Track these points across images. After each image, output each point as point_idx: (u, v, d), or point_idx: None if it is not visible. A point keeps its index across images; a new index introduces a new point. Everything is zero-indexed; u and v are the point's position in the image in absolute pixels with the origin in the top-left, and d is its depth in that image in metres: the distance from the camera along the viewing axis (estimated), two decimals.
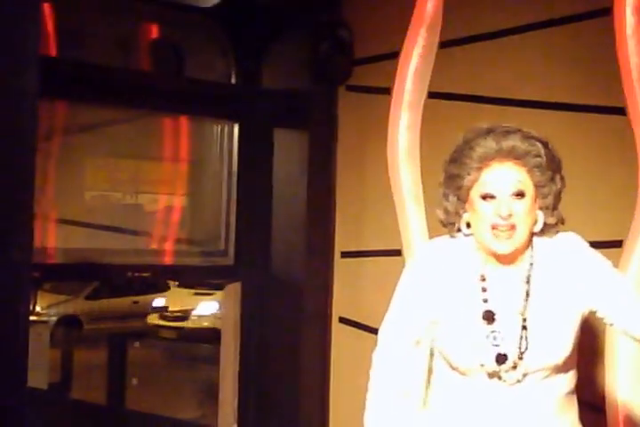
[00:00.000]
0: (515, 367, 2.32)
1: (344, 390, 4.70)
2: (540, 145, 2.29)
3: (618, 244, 3.64)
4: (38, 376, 5.98)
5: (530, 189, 2.29)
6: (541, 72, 4.04)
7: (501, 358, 2.32)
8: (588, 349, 3.56)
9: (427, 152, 4.26)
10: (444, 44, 4.24)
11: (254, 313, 4.98)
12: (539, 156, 2.28)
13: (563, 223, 2.41)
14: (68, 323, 14.10)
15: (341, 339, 4.81)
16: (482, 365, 2.35)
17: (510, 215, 2.26)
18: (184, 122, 5.27)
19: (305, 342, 4.85)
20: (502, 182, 2.27)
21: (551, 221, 2.35)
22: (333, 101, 4.82)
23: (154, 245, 5.31)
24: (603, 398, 3.60)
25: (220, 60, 5.08)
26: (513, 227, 2.27)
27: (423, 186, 4.26)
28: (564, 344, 2.36)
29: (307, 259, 4.88)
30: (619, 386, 3.59)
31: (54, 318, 13.98)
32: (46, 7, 4.44)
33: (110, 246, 5.06)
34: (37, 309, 13.32)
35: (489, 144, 2.28)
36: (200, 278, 7.65)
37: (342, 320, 4.80)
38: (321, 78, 4.76)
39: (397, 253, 4.36)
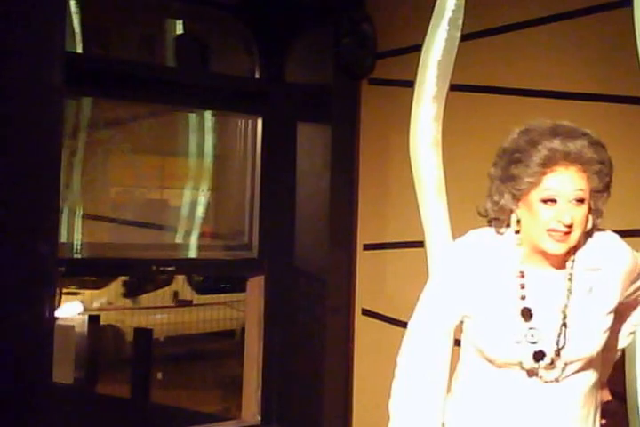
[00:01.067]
0: (552, 364, 2.33)
1: (367, 382, 4.72)
2: (603, 151, 2.29)
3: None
4: (64, 371, 6.03)
5: (588, 195, 2.29)
6: (563, 63, 4.05)
7: (539, 356, 2.33)
8: None
9: (449, 144, 4.26)
10: (466, 37, 4.24)
11: (278, 306, 5.01)
12: (602, 163, 2.27)
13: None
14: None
15: (365, 331, 4.83)
16: (520, 362, 2.35)
17: (572, 223, 2.26)
18: (208, 117, 5.30)
19: (328, 334, 4.87)
20: (566, 189, 2.25)
21: (599, 221, 2.37)
22: (356, 95, 4.84)
23: (178, 240, 5.34)
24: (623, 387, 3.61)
25: (244, 55, 5.10)
26: (569, 231, 2.27)
27: (446, 178, 4.26)
28: (600, 339, 2.37)
29: (330, 252, 4.90)
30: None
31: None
32: (72, 4, 4.49)
33: (135, 241, 5.10)
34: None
35: (556, 147, 2.24)
36: (224, 272, 7.67)
37: (365, 312, 4.82)
38: (344, 72, 4.78)
39: (420, 244, 4.37)
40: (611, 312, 2.38)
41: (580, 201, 2.26)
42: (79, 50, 4.66)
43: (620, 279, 2.38)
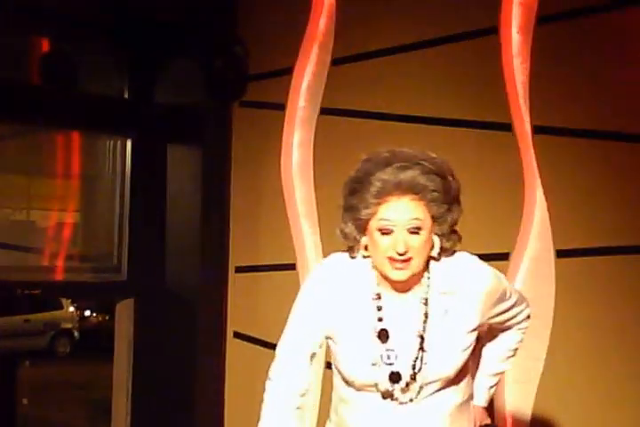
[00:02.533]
0: (407, 386, 2.35)
1: (239, 405, 4.69)
2: (438, 179, 2.29)
3: (504, 256, 3.75)
4: None
5: (427, 222, 2.31)
6: (430, 89, 4.13)
7: (395, 377, 2.34)
8: None
9: (321, 168, 4.31)
10: (336, 62, 4.29)
11: (148, 329, 4.94)
12: (435, 191, 2.28)
13: (460, 242, 2.44)
14: None
15: (236, 353, 4.80)
16: (375, 383, 2.37)
17: (406, 251, 2.29)
18: (76, 137, 5.21)
19: (200, 357, 4.82)
20: (399, 218, 2.28)
21: (448, 245, 2.38)
22: (227, 117, 4.83)
23: (45, 262, 5.22)
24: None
25: (113, 74, 5.04)
26: (409, 259, 2.30)
27: (317, 201, 4.30)
28: (457, 359, 2.39)
29: (201, 274, 4.86)
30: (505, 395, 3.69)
31: None
32: None
33: (0, 263, 4.96)
34: None
35: (387, 178, 2.26)
36: (93, 295, 7.51)
37: (237, 335, 4.79)
38: (215, 94, 4.77)
39: (292, 267, 4.39)
40: (470, 331, 2.41)
41: (417, 229, 2.29)
42: None
43: (478, 300, 2.39)
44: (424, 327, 2.36)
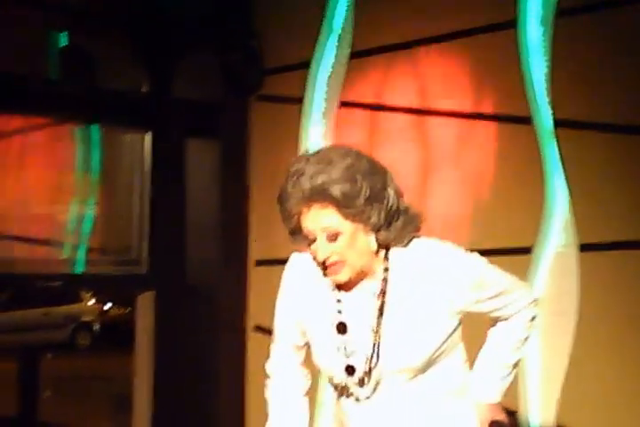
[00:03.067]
0: (362, 381, 2.34)
1: (261, 397, 4.67)
2: (344, 183, 2.25)
3: (527, 250, 3.73)
4: None
5: (345, 226, 2.27)
6: (449, 82, 4.11)
7: (350, 370, 2.34)
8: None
9: None
10: (354, 54, 4.28)
11: (169, 322, 4.95)
12: (343, 194, 2.24)
13: (414, 226, 2.42)
14: None
15: (257, 347, 4.80)
16: (332, 376, 2.38)
17: (328, 258, 2.28)
18: (95, 131, 5.22)
19: (221, 350, 4.83)
20: (314, 228, 2.27)
21: (387, 236, 2.32)
22: (245, 111, 4.83)
23: (65, 255, 5.24)
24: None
25: (132, 68, 5.04)
26: (338, 262, 2.29)
27: None
28: (424, 350, 2.34)
29: (221, 267, 4.87)
30: (530, 389, 3.68)
31: None
32: None
33: (20, 256, 4.98)
34: None
35: (292, 191, 2.27)
36: (113, 288, 7.54)
37: (258, 328, 4.80)
38: (232, 88, 4.77)
39: None
40: (439, 318, 2.34)
41: (334, 235, 2.28)
42: None
43: (444, 285, 2.33)
44: (378, 322, 2.34)
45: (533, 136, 3.79)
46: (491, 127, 3.96)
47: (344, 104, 4.32)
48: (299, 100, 4.37)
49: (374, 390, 2.36)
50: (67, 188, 5.54)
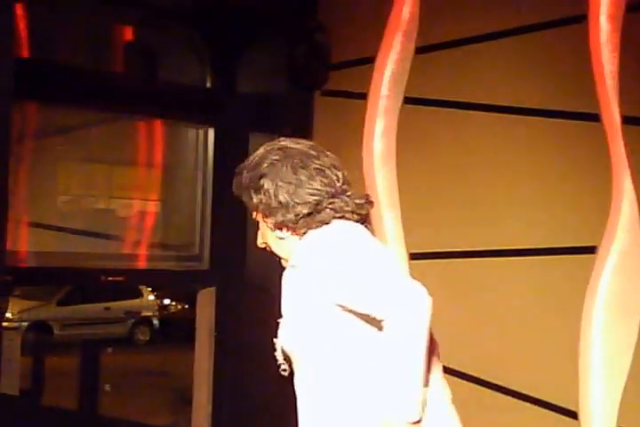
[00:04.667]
0: (278, 360, 2.49)
1: None
2: (236, 180, 2.49)
3: (592, 250, 3.67)
4: (10, 382, 5.94)
5: (258, 216, 2.52)
6: (516, 78, 4.06)
7: (274, 346, 2.50)
8: (562, 353, 3.59)
9: (403, 157, 4.26)
10: (419, 50, 4.24)
11: (229, 318, 4.96)
12: (237, 190, 2.50)
13: (293, 216, 2.42)
14: (39, 329, 13.98)
15: None
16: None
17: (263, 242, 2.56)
18: (158, 126, 5.25)
19: None
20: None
21: (276, 234, 2.50)
22: (309, 106, 4.82)
23: (127, 250, 5.27)
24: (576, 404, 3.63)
25: (196, 63, 5.06)
26: (266, 247, 2.56)
27: (399, 191, 4.26)
28: (301, 339, 2.40)
29: (282, 265, 4.85)
30: (592, 391, 3.61)
31: (25, 324, 13.80)
32: (19, 8, 4.40)
33: (83, 250, 5.03)
34: (8, 315, 13.20)
35: None
36: (174, 283, 7.59)
37: None
38: (297, 83, 4.76)
39: None
40: (311, 309, 2.36)
41: (257, 223, 2.55)
42: (27, 55, 4.58)
43: (311, 276, 2.36)
44: (283, 305, 2.46)
45: (601, 133, 3.73)
46: (558, 124, 3.91)
47: (408, 100, 4.28)
48: (363, 96, 4.34)
49: (290, 369, 2.47)
50: (130, 183, 5.58)
